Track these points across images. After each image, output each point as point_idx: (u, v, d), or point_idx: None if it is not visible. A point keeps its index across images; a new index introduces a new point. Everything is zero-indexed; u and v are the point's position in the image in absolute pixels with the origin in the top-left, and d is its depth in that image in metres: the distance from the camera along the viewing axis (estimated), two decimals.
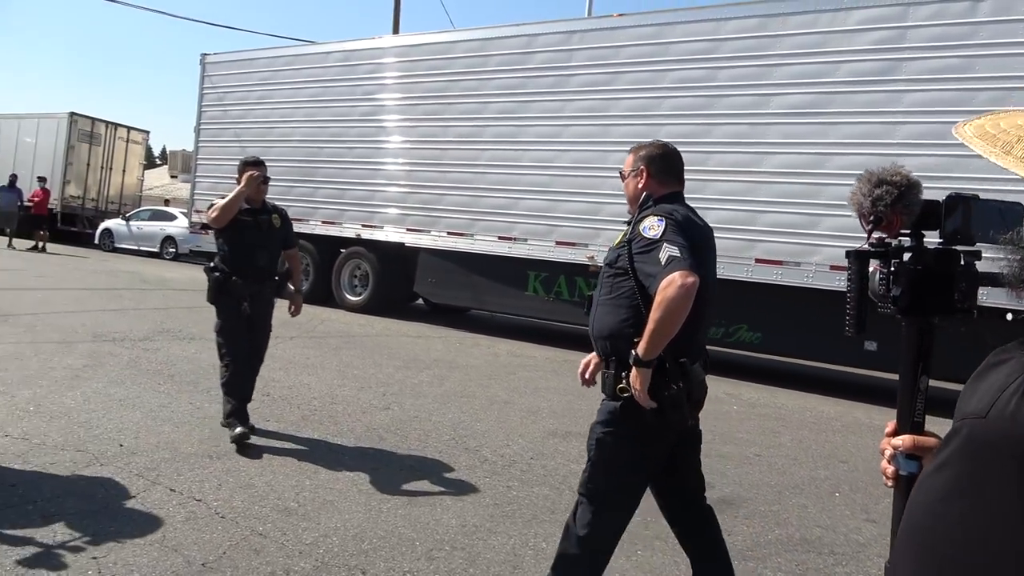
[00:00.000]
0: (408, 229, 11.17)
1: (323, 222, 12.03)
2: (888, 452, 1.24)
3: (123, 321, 8.74)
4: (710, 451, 5.51)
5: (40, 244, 18.66)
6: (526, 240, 9.97)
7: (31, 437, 4.40)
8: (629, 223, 2.64)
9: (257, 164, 4.86)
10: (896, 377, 1.32)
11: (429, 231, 10.93)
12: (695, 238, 2.51)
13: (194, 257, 20.66)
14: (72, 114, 22.45)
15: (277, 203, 5.25)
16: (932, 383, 1.30)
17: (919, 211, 1.43)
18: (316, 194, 11.99)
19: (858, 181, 1.51)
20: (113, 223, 22.02)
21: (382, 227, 11.48)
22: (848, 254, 1.52)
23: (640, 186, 2.74)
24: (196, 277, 15.61)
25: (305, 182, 12.03)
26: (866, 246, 1.50)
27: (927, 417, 1.26)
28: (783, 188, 8.17)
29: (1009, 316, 1.21)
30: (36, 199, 19.51)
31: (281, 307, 5.10)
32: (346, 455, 4.66)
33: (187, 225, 19.81)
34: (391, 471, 4.43)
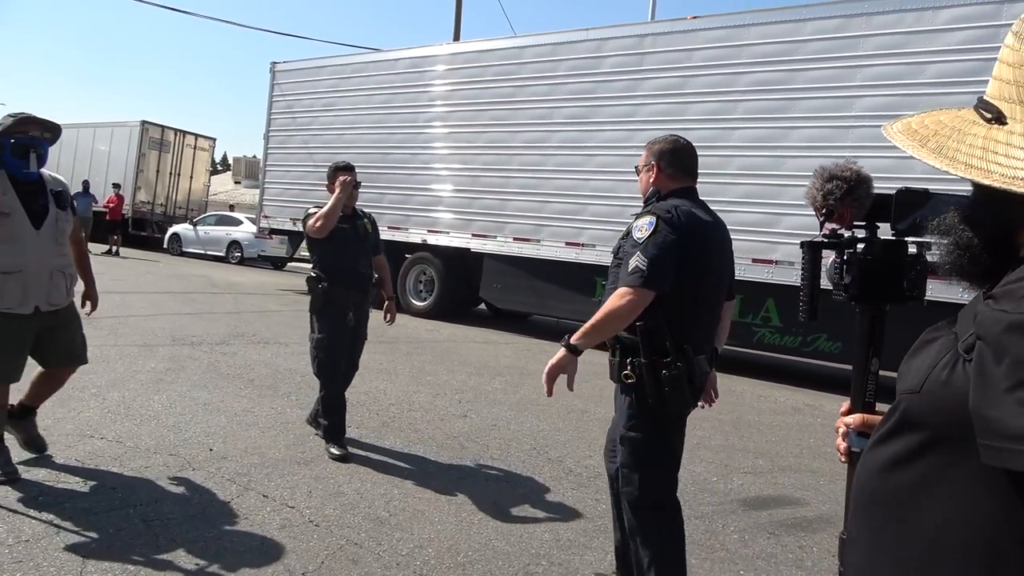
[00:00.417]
0: (473, 235, 11.17)
1: (389, 227, 12.10)
2: (841, 430, 1.34)
3: (199, 325, 8.91)
4: (800, 466, 5.34)
5: (114, 248, 19.28)
6: (594, 246, 9.85)
7: (124, 440, 4.47)
8: (635, 216, 2.73)
9: (348, 169, 4.78)
10: None
11: (495, 236, 10.90)
12: (693, 236, 2.60)
13: (260, 261, 21.11)
14: (144, 122, 23.18)
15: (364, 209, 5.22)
16: None
17: (870, 204, 1.52)
18: (382, 200, 12.08)
19: (813, 176, 1.64)
20: (181, 228, 22.64)
21: (447, 232, 11.50)
22: (802, 244, 1.64)
23: (651, 181, 2.82)
24: (263, 281, 15.95)
25: (371, 188, 12.08)
26: (820, 237, 1.61)
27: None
28: None
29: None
30: (111, 205, 20.19)
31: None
32: (430, 464, 4.63)
33: (253, 230, 20.33)
34: (477, 481, 4.38)
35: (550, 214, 10.29)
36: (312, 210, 4.73)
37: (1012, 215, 0.84)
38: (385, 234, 12.12)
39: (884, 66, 7.85)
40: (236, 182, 38.39)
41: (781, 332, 8.56)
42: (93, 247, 19.07)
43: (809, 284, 1.63)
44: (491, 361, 8.49)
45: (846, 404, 1.40)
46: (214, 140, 26.55)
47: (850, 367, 1.55)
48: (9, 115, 3.78)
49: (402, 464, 4.56)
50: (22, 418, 3.99)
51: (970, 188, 0.89)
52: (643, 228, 2.58)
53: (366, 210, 5.15)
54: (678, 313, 2.61)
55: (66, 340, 3.94)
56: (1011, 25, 0.90)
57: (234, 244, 21.27)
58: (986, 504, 0.75)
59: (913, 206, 1.43)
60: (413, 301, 12.12)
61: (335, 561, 3.19)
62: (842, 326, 8.18)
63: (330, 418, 4.63)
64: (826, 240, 1.60)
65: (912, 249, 1.49)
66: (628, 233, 2.68)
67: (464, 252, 11.38)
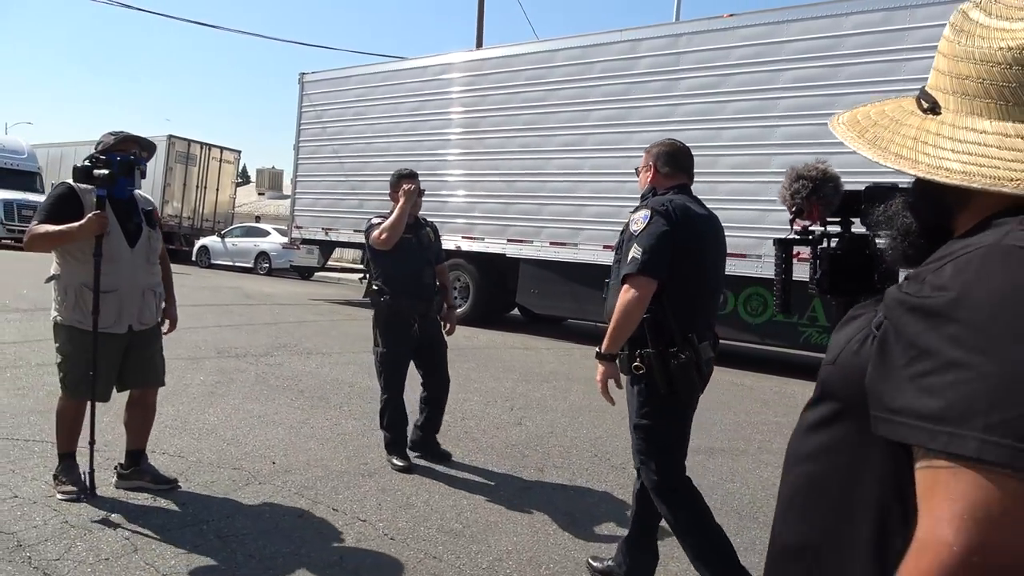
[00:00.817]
0: (509, 240, 11.11)
1: None
2: None
3: (240, 337, 8.91)
4: None
5: None
6: None
7: (186, 455, 4.44)
8: (633, 211, 2.90)
9: (412, 176, 4.63)
10: None
11: (531, 241, 10.84)
12: (688, 228, 2.75)
13: (288, 272, 21.19)
14: (170, 136, 23.38)
15: (428, 217, 5.07)
16: None
17: (838, 201, 1.59)
18: (414, 208, 12.06)
19: (784, 176, 1.75)
20: (209, 240, 22.79)
21: (482, 239, 11.45)
22: (774, 241, 1.72)
23: (648, 180, 3.01)
24: (295, 292, 15.99)
25: None
26: (791, 235, 1.68)
27: None
28: None
29: None
30: None
31: None
32: (494, 474, 4.55)
33: (281, 241, 20.42)
34: (544, 491, 4.30)
35: (587, 217, 10.21)
36: (376, 220, 4.61)
37: (946, 203, 0.88)
38: None
39: (929, 59, 7.71)
40: (260, 194, 38.65)
41: (829, 331, 8.40)
42: None
43: (781, 279, 1.70)
44: (535, 367, 8.41)
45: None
46: (239, 152, 26.75)
47: None
48: (109, 133, 3.77)
49: (466, 475, 4.49)
50: (138, 464, 3.84)
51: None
52: (639, 221, 2.74)
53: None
54: (681, 303, 2.75)
55: (147, 360, 3.87)
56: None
57: (262, 255, 21.36)
58: (879, 468, 0.82)
59: (881, 201, 1.47)
60: None
61: (417, 575, 3.12)
62: None
63: (393, 430, 4.57)
64: (797, 237, 1.65)
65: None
66: (626, 228, 2.84)
67: (499, 258, 11.32)
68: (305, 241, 15.07)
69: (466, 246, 11.65)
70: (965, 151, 0.84)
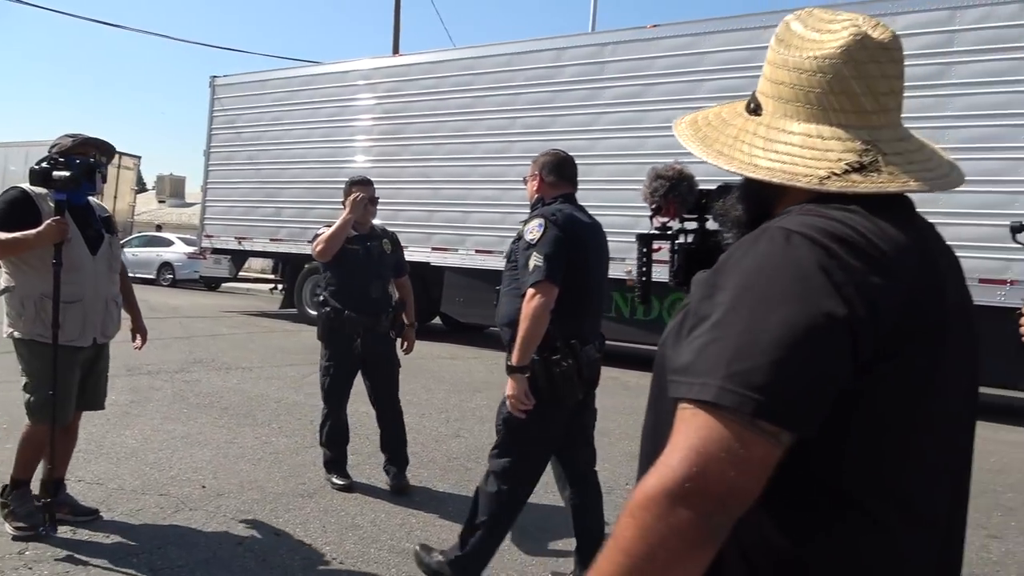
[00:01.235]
0: (433, 248, 10.94)
1: None
2: None
3: (150, 352, 8.32)
4: None
5: None
6: None
7: (105, 482, 4.11)
8: (524, 222, 2.96)
9: (363, 184, 4.43)
10: None
11: (456, 249, 10.70)
12: (574, 236, 2.86)
13: (192, 283, 20.24)
14: None
15: (387, 227, 4.83)
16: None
17: (693, 199, 1.67)
18: (334, 215, 11.73)
19: (645, 176, 1.88)
20: None
21: (406, 247, 11.17)
22: (636, 237, 1.79)
23: (535, 190, 3.09)
24: (203, 303, 15.28)
25: (322, 203, 11.74)
26: (651, 230, 1.77)
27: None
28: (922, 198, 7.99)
29: None
30: None
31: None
32: (438, 489, 4.41)
33: (185, 250, 19.52)
34: None
35: (514, 225, 10.10)
36: (321, 231, 4.40)
37: (766, 196, 0.98)
38: None
39: (915, 67, 7.97)
40: (160, 201, 36.94)
41: None
42: None
43: (639, 272, 1.79)
44: (465, 377, 8.28)
45: None
46: (139, 158, 25.57)
47: None
48: (66, 135, 3.47)
49: (410, 491, 4.33)
50: (56, 494, 3.46)
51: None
52: (534, 230, 2.82)
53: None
54: (564, 309, 2.80)
55: (99, 378, 3.61)
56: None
57: (165, 265, 20.37)
58: (672, 413, 0.90)
59: (722, 197, 1.60)
60: None
61: None
62: None
63: (332, 448, 4.36)
64: (656, 232, 1.74)
65: None
66: (520, 237, 2.90)
67: (423, 266, 11.12)
68: (216, 251, 14.41)
69: None
70: (774, 149, 0.94)
